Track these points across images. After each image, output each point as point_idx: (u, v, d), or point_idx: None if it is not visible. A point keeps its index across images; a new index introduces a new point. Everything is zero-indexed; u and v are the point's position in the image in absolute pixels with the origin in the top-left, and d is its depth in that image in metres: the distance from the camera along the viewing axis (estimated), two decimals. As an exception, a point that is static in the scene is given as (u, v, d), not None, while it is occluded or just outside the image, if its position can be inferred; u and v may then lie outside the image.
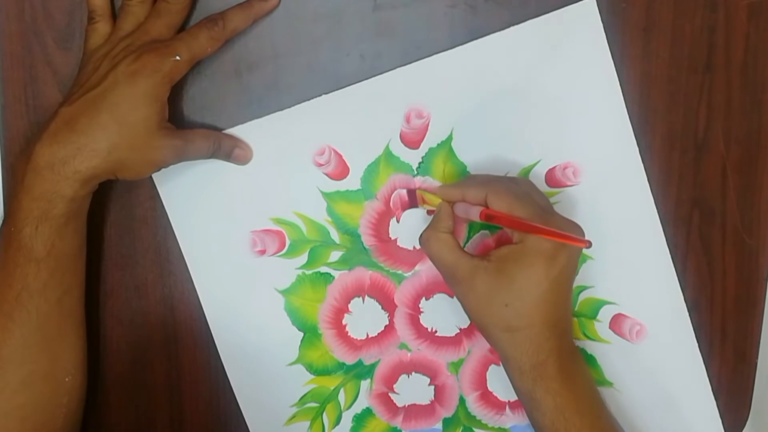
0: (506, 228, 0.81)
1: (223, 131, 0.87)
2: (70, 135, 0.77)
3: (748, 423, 0.94)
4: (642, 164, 0.88)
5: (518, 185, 0.82)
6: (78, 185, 0.77)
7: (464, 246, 0.89)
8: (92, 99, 0.78)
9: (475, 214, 0.80)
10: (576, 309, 0.91)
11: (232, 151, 0.86)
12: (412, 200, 0.88)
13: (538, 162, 0.88)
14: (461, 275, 0.80)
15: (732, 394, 0.93)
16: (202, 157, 0.84)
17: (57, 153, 0.76)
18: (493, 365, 0.92)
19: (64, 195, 0.77)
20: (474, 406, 0.93)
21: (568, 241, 0.76)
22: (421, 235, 0.83)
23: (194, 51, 0.81)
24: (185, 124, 0.87)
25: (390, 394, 0.92)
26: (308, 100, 0.87)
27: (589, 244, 0.75)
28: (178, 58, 0.79)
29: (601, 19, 0.86)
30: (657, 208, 0.89)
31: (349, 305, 0.90)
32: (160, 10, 0.83)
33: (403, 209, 0.89)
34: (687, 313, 0.91)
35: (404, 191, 0.89)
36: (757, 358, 0.93)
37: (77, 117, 0.77)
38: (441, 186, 0.86)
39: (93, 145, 0.77)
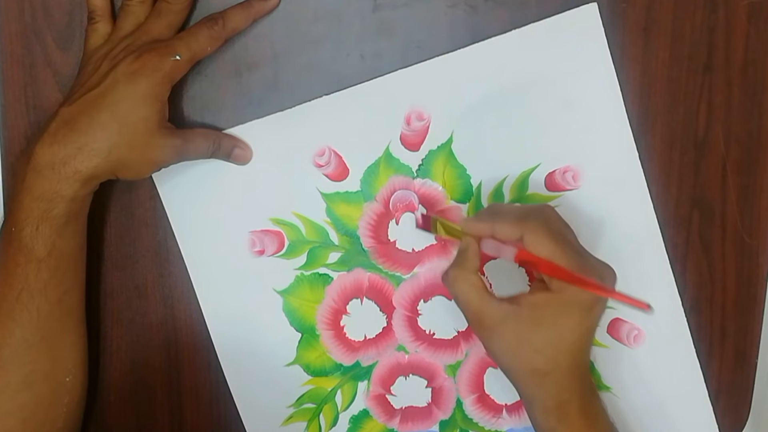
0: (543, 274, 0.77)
1: (223, 131, 0.87)
2: (71, 135, 0.77)
3: (748, 423, 0.94)
4: (642, 169, 0.88)
5: (552, 222, 0.78)
6: (78, 185, 0.77)
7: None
8: (92, 99, 0.78)
9: (509, 255, 0.76)
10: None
11: (231, 151, 0.86)
12: (426, 225, 0.85)
13: (537, 165, 0.88)
14: (489, 322, 0.77)
15: (732, 394, 0.93)
16: (202, 156, 0.84)
17: (57, 153, 0.77)
18: (490, 368, 0.92)
19: (64, 195, 0.77)
20: (471, 408, 0.93)
21: (629, 302, 0.72)
22: (445, 273, 0.79)
23: (194, 50, 0.81)
24: (185, 124, 0.87)
25: (387, 396, 0.92)
26: (308, 100, 0.87)
27: (651, 311, 0.71)
28: (178, 57, 0.79)
29: (601, 20, 0.86)
30: (657, 209, 0.89)
31: (348, 306, 0.90)
32: (161, 10, 0.82)
33: (417, 227, 0.87)
34: (685, 318, 0.91)
35: (419, 215, 0.88)
36: (757, 358, 0.93)
37: (78, 117, 0.77)
38: (467, 219, 0.83)
39: (93, 145, 0.77)
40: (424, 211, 0.88)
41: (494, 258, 0.85)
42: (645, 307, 0.71)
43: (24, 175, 0.77)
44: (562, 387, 0.78)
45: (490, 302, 0.77)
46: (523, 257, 0.75)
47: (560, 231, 0.77)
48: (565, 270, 0.74)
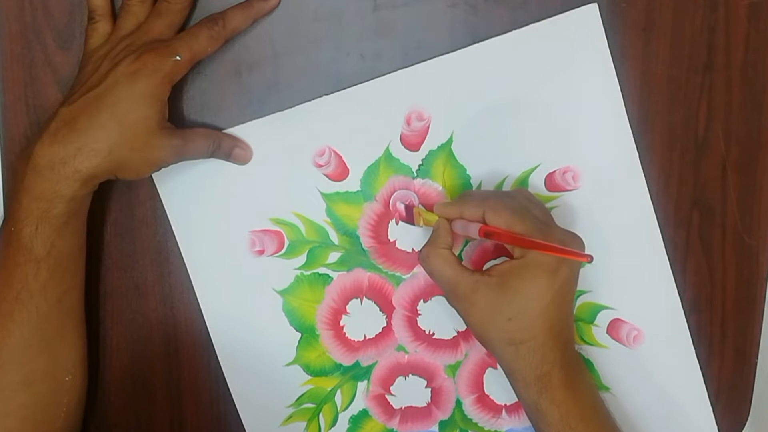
0: (506, 244, 0.81)
1: (223, 131, 0.87)
2: (70, 134, 0.77)
3: (748, 423, 0.94)
4: (641, 170, 0.88)
5: (515, 199, 0.82)
6: (78, 185, 0.77)
7: (459, 255, 0.90)
8: (92, 99, 0.78)
9: (473, 231, 0.79)
10: (574, 314, 0.91)
11: (231, 151, 0.86)
12: (410, 217, 0.88)
13: (537, 166, 0.88)
14: (462, 291, 0.80)
15: (732, 394, 0.93)
16: (202, 156, 0.84)
17: (57, 153, 0.77)
18: (490, 368, 0.92)
19: (64, 195, 0.77)
20: (470, 409, 0.93)
21: (568, 255, 0.76)
22: (420, 251, 0.83)
23: (195, 51, 0.81)
24: (185, 123, 0.87)
25: (387, 396, 0.92)
26: (308, 99, 0.87)
27: (590, 259, 0.75)
28: (178, 57, 0.79)
29: (602, 20, 0.86)
30: (657, 209, 0.89)
31: (347, 306, 0.90)
32: (161, 10, 0.82)
33: (402, 221, 0.89)
34: (684, 319, 0.91)
35: (402, 205, 0.88)
36: (757, 358, 0.93)
37: (77, 117, 0.77)
38: (438, 204, 0.85)
39: (93, 145, 0.77)
40: (412, 200, 0.89)
41: (466, 237, 0.86)
42: (585, 258, 0.75)
43: (23, 174, 0.77)
44: (540, 358, 0.79)
45: (462, 272, 0.80)
46: (485, 229, 0.78)
47: (522, 206, 0.81)
48: (521, 237, 0.77)
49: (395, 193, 0.88)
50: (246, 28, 0.85)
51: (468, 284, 0.79)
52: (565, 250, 0.76)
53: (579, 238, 0.80)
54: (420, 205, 0.88)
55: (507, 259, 0.83)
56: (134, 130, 0.78)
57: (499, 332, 0.79)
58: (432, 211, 0.86)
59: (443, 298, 0.87)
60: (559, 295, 0.79)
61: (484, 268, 0.83)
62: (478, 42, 0.87)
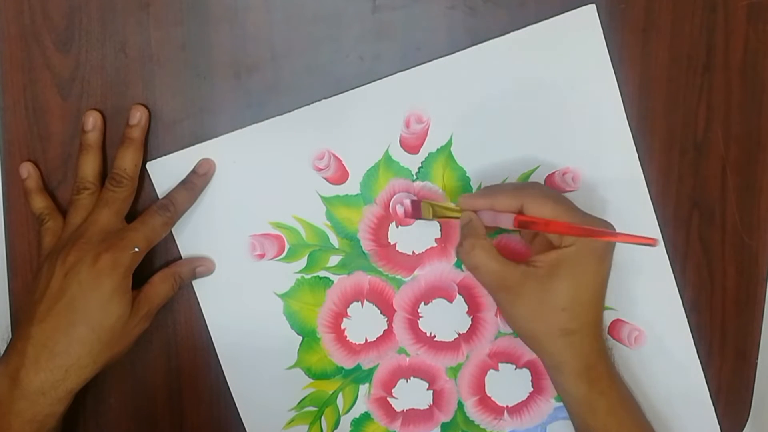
0: (548, 233, 0.79)
1: (224, 135, 0.87)
2: (54, 360, 0.78)
3: (748, 423, 0.94)
4: (641, 170, 0.88)
5: (547, 189, 0.81)
6: (70, 398, 0.80)
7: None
8: (63, 311, 0.79)
9: (507, 221, 0.77)
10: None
11: (194, 273, 0.88)
12: (416, 211, 0.87)
13: (537, 167, 0.88)
14: (510, 283, 0.78)
15: (732, 394, 0.93)
16: (170, 297, 0.86)
17: (46, 380, 0.78)
18: (491, 370, 0.92)
19: (56, 413, 0.79)
20: (472, 410, 0.93)
21: (634, 240, 0.74)
22: (460, 246, 0.80)
23: (151, 239, 0.83)
24: (184, 127, 0.87)
25: (388, 399, 0.92)
26: (307, 102, 0.87)
27: (656, 243, 0.73)
28: (137, 249, 0.81)
29: (600, 20, 0.86)
30: (657, 209, 0.89)
31: (348, 309, 0.90)
32: (108, 200, 0.83)
33: (406, 217, 0.88)
34: (686, 319, 0.91)
35: (408, 201, 0.88)
36: (757, 358, 0.93)
37: (53, 336, 0.78)
38: (464, 196, 0.83)
39: (78, 363, 0.79)
40: (414, 198, 0.88)
41: (493, 229, 0.84)
42: (652, 241, 0.73)
43: (11, 400, 0.78)
44: (589, 347, 0.78)
45: (507, 264, 0.78)
46: (523, 219, 0.76)
47: (558, 195, 0.79)
48: (571, 224, 0.75)
49: (395, 196, 0.88)
50: (191, 205, 0.87)
51: (515, 276, 0.77)
52: (632, 236, 0.74)
53: (611, 224, 0.79)
54: (429, 201, 0.87)
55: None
56: (111, 333, 0.80)
57: (550, 323, 0.78)
58: (448, 205, 0.85)
59: (444, 301, 0.88)
60: (605, 283, 0.79)
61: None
62: (477, 44, 0.87)
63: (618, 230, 0.81)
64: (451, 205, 0.85)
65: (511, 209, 0.78)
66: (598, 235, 0.75)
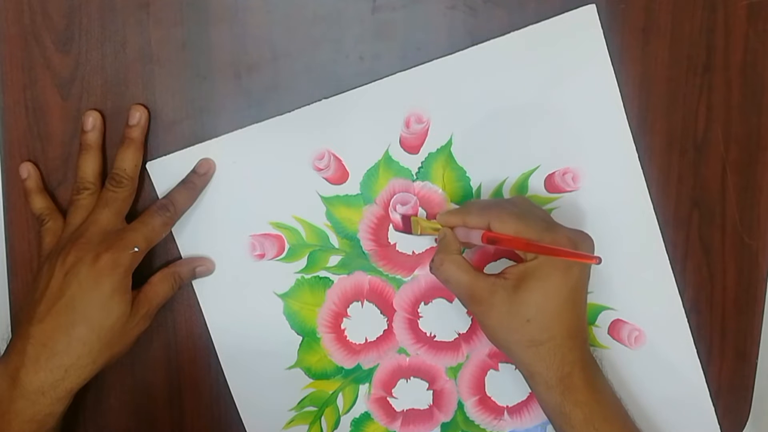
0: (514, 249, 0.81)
1: (224, 135, 0.87)
2: (54, 359, 0.78)
3: (748, 423, 0.94)
4: (641, 170, 0.88)
5: (517, 206, 0.82)
6: (69, 398, 0.80)
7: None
8: (63, 311, 0.79)
9: (476, 238, 0.80)
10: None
11: (194, 273, 0.88)
12: (407, 226, 0.88)
13: (537, 167, 0.88)
14: (480, 294, 0.79)
15: (732, 394, 0.93)
16: (170, 296, 0.86)
17: (46, 380, 0.78)
18: (491, 370, 0.92)
19: (56, 413, 0.79)
20: (472, 411, 0.93)
21: (576, 258, 0.76)
22: (432, 261, 0.82)
23: (150, 239, 0.83)
24: (185, 126, 0.87)
25: (388, 399, 0.92)
26: (307, 101, 0.87)
27: (598, 261, 0.74)
28: (136, 249, 0.81)
29: (600, 20, 0.86)
30: (657, 209, 0.89)
31: (348, 309, 0.90)
32: (108, 200, 0.83)
33: (397, 230, 0.89)
34: (686, 319, 0.91)
35: (399, 216, 0.89)
36: (757, 358, 0.93)
37: (54, 335, 0.78)
38: (440, 213, 0.85)
39: (78, 363, 0.79)
40: (413, 199, 0.88)
41: (467, 245, 0.85)
42: (594, 260, 0.74)
43: (10, 399, 0.78)
44: (561, 358, 0.79)
45: (477, 277, 0.80)
46: (489, 235, 0.78)
47: (526, 211, 0.81)
48: (527, 241, 0.77)
49: (395, 196, 0.88)
50: (192, 205, 0.87)
51: (485, 288, 0.79)
52: (571, 253, 0.76)
53: (588, 236, 0.80)
54: (417, 215, 0.88)
55: (514, 262, 0.83)
56: (111, 332, 0.80)
57: (519, 334, 0.79)
58: (429, 219, 0.86)
59: (444, 301, 0.88)
60: (574, 293, 0.79)
61: (486, 271, 0.82)
62: (477, 44, 0.87)
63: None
64: (436, 224, 0.86)
65: (480, 226, 0.80)
66: (544, 252, 0.76)
